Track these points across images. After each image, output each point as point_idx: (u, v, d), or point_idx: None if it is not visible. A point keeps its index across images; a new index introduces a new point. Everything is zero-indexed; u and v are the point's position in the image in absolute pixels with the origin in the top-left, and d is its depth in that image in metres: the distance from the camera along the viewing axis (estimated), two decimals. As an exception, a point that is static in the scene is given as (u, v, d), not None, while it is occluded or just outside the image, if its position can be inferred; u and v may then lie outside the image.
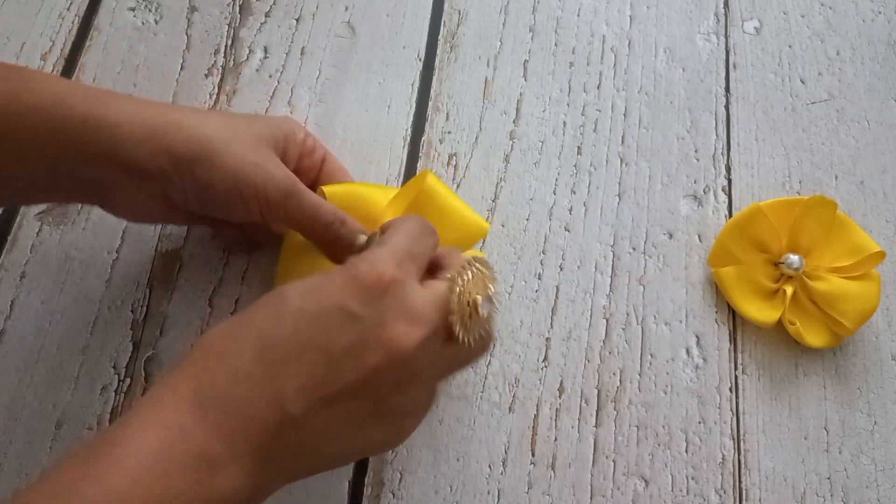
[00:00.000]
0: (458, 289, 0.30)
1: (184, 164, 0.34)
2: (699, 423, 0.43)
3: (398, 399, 0.30)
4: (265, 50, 0.51)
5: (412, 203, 0.39)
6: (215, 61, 0.51)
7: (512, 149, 0.49)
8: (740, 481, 0.42)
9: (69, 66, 0.50)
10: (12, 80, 0.33)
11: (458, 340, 0.30)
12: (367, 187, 0.41)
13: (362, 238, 0.36)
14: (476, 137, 0.50)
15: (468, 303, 0.30)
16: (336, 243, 0.36)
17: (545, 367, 0.44)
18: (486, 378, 0.43)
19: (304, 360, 0.28)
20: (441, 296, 0.30)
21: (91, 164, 0.34)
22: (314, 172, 0.41)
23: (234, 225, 0.42)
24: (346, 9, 0.53)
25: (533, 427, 0.42)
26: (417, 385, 0.30)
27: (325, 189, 0.39)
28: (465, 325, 0.30)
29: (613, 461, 0.42)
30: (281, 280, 0.41)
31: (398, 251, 0.31)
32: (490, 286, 0.31)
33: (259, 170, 0.35)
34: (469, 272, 0.31)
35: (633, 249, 0.47)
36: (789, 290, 0.44)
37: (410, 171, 0.48)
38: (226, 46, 0.52)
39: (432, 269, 0.33)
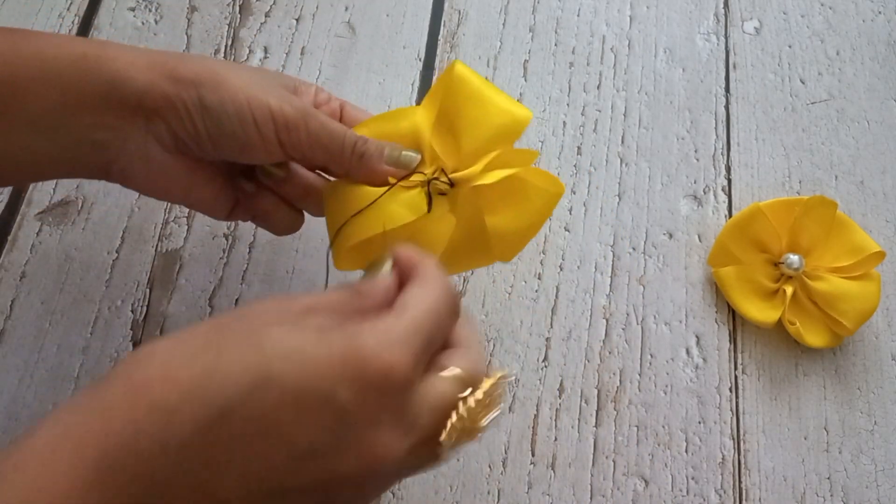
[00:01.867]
0: (465, 412, 0.25)
1: (189, 88, 0.31)
2: (699, 423, 0.43)
3: (352, 501, 0.25)
4: (265, 50, 0.51)
5: (443, 100, 0.34)
6: (215, 61, 0.51)
7: (512, 149, 0.49)
8: (740, 481, 0.42)
9: (69, 66, 0.50)
10: (9, 33, 0.30)
11: (440, 456, 0.26)
12: (392, 116, 0.36)
13: (390, 150, 0.33)
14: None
15: (470, 428, 0.26)
16: (363, 161, 0.33)
17: (545, 367, 0.44)
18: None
19: (261, 450, 0.22)
20: (444, 402, 0.25)
21: (93, 109, 0.30)
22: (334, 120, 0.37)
23: (267, 192, 0.36)
24: (346, 9, 0.53)
25: (533, 427, 0.42)
26: (377, 489, 0.26)
27: (356, 129, 0.35)
28: (455, 443, 0.26)
29: (613, 461, 0.42)
30: (332, 230, 0.34)
31: (418, 336, 0.25)
32: (498, 410, 0.27)
33: (272, 93, 0.32)
34: (484, 391, 0.26)
35: (633, 249, 0.47)
36: (789, 290, 0.44)
37: (410, 171, 0.48)
38: (226, 46, 0.52)
39: (402, 275, 0.29)
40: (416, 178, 0.33)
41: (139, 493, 0.21)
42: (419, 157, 0.34)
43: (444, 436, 0.25)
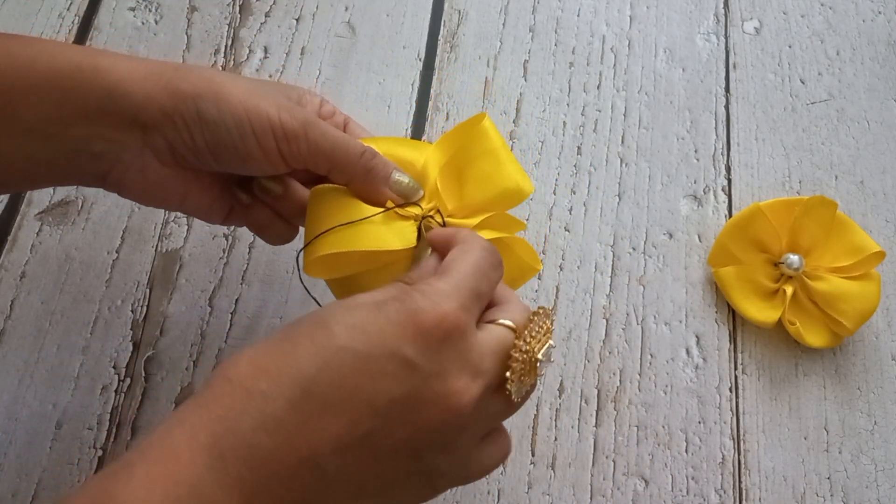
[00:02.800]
0: (523, 345, 0.27)
1: (187, 101, 0.30)
2: (699, 423, 0.43)
3: (441, 460, 0.26)
4: (265, 50, 0.51)
5: (461, 145, 0.35)
6: (215, 61, 0.51)
7: (512, 149, 0.49)
8: (740, 481, 0.42)
9: (69, 66, 0.50)
10: (4, 38, 0.30)
11: (510, 396, 0.28)
12: (402, 142, 0.36)
13: (398, 175, 0.33)
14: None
15: (529, 360, 0.28)
16: (369, 177, 0.32)
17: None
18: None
19: (346, 411, 0.24)
20: (502, 345, 0.27)
21: (89, 120, 0.30)
22: None
23: (262, 205, 0.36)
24: (346, 9, 0.53)
25: (533, 427, 0.42)
26: (463, 445, 0.27)
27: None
28: (521, 381, 0.28)
29: (613, 461, 0.42)
30: (310, 234, 0.34)
31: (465, 289, 0.27)
32: (550, 341, 0.29)
33: (272, 102, 0.31)
34: (533, 325, 0.28)
35: (633, 249, 0.47)
36: (789, 290, 0.44)
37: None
38: (226, 46, 0.52)
39: (442, 248, 0.31)
40: (412, 209, 0.33)
41: (254, 464, 0.23)
42: (422, 192, 0.34)
43: (509, 374, 0.27)
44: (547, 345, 0.28)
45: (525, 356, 0.27)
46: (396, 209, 0.33)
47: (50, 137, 0.30)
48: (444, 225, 0.33)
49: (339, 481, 0.25)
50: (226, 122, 0.31)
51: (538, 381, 0.30)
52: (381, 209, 0.33)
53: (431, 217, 0.33)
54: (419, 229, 0.33)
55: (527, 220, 0.47)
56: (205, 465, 0.23)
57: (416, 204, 0.34)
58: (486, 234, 0.33)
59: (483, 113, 0.35)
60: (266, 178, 0.35)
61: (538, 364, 0.28)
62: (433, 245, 0.31)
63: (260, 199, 0.36)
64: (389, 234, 0.32)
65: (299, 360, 0.25)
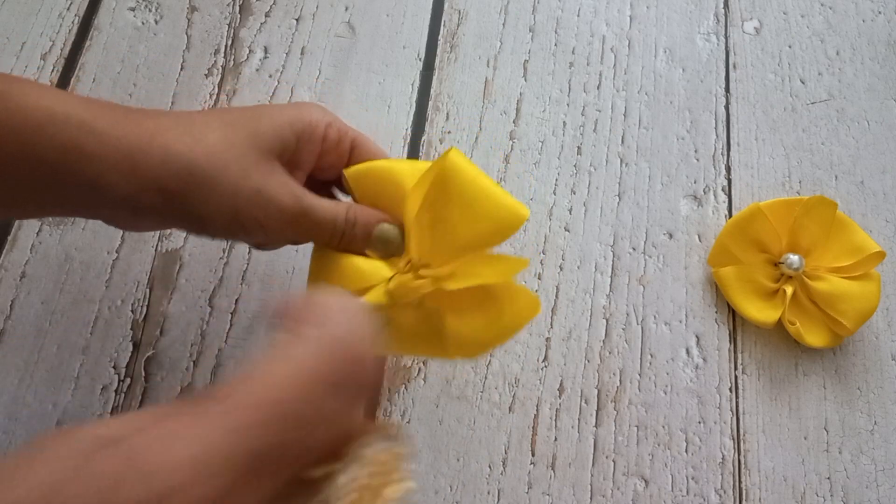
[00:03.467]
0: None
1: (176, 200, 0.30)
2: (699, 423, 0.43)
3: None
4: (265, 50, 0.51)
5: (431, 187, 0.33)
6: (215, 61, 0.51)
7: (512, 149, 0.49)
8: (740, 481, 0.42)
9: (69, 66, 0.50)
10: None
11: None
12: (393, 164, 0.35)
13: (381, 228, 0.33)
14: (476, 137, 0.50)
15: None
16: (351, 246, 0.34)
17: (545, 367, 0.44)
18: (486, 378, 0.43)
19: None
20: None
21: (78, 193, 0.30)
22: (342, 164, 0.36)
23: None
24: (346, 9, 0.53)
25: (533, 427, 0.42)
26: None
27: (346, 173, 0.35)
28: None
29: (613, 461, 0.42)
30: (314, 277, 0.35)
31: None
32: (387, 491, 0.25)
33: (260, 198, 0.31)
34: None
35: (633, 249, 0.47)
36: (789, 290, 0.44)
37: (410, 171, 0.48)
38: (226, 46, 0.51)
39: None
40: (392, 260, 0.33)
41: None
42: (400, 241, 0.33)
43: None
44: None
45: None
46: (380, 257, 0.34)
47: (38, 194, 0.30)
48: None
49: None
50: (215, 221, 0.31)
51: None
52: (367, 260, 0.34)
53: (401, 275, 0.33)
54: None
55: (526, 220, 0.47)
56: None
57: (394, 259, 0.34)
58: (462, 282, 0.31)
59: (451, 149, 0.33)
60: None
61: None
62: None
63: None
64: (370, 276, 0.33)
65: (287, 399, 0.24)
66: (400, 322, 0.33)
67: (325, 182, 0.37)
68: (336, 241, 0.33)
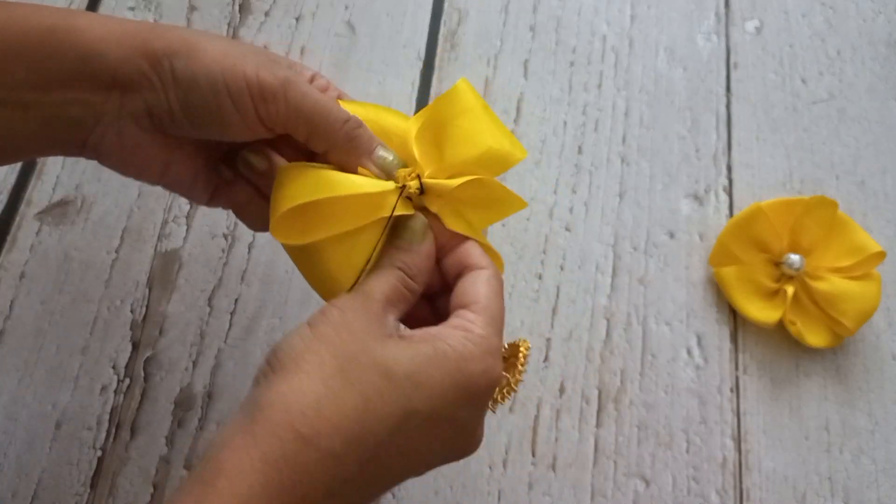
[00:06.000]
0: (511, 379, 0.31)
1: (162, 60, 0.29)
2: (700, 423, 0.43)
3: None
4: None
5: (435, 107, 0.32)
6: (215, 61, 0.51)
7: (512, 148, 0.49)
8: (741, 481, 0.42)
9: (68, 65, 0.50)
10: None
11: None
12: (385, 110, 0.34)
13: (382, 152, 0.31)
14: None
15: (510, 390, 0.31)
16: (351, 146, 0.31)
17: (546, 367, 0.44)
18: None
19: (400, 463, 0.28)
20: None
21: (65, 85, 0.29)
22: None
23: (246, 182, 0.34)
24: (346, 8, 0.53)
25: (533, 427, 0.42)
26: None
27: (342, 102, 0.33)
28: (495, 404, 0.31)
29: (614, 461, 0.42)
30: (277, 210, 0.30)
31: (500, 338, 0.30)
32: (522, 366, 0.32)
33: (248, 59, 0.30)
34: (520, 362, 0.32)
35: (634, 249, 0.47)
36: (790, 290, 0.44)
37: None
38: (226, 46, 0.51)
39: (455, 270, 0.32)
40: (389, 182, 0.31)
41: None
42: (399, 166, 0.32)
43: (492, 406, 0.30)
44: (517, 376, 0.31)
45: (509, 388, 0.31)
46: (370, 172, 0.31)
47: (26, 106, 0.29)
48: (421, 189, 0.31)
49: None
50: (199, 81, 0.29)
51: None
52: (359, 181, 0.31)
53: (406, 187, 0.31)
54: (402, 200, 0.31)
55: (527, 219, 0.47)
56: None
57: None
58: (464, 178, 0.31)
59: (462, 78, 0.33)
60: (249, 151, 0.33)
61: (507, 393, 0.31)
62: (439, 244, 0.32)
63: (243, 176, 0.34)
64: (365, 182, 0.30)
65: (372, 422, 0.26)
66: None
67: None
68: (334, 132, 0.31)
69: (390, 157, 0.31)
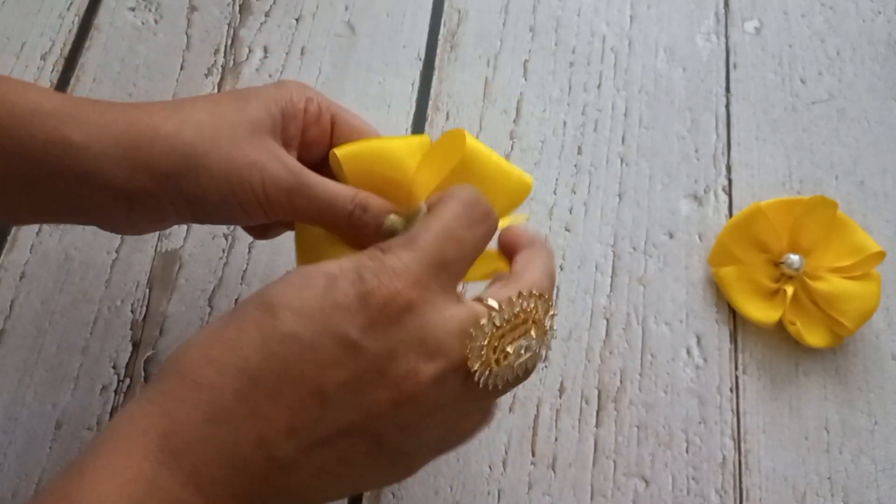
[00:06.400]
0: (488, 326, 0.25)
1: (168, 181, 0.29)
2: (700, 423, 0.43)
3: (404, 440, 0.26)
4: (265, 50, 0.51)
5: (452, 174, 0.32)
6: (215, 61, 0.51)
7: (512, 148, 0.49)
8: (741, 481, 0.42)
9: (69, 66, 0.50)
10: None
11: (482, 389, 0.26)
12: (388, 143, 0.33)
13: (390, 219, 0.31)
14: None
15: (495, 350, 0.26)
16: (359, 234, 0.31)
17: (545, 367, 0.44)
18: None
19: (294, 398, 0.24)
20: (463, 327, 0.25)
21: (70, 188, 0.30)
22: (325, 141, 0.34)
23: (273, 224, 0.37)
24: (346, 8, 0.53)
25: (533, 427, 0.42)
26: (429, 427, 0.26)
27: (338, 152, 0.32)
28: (487, 368, 0.26)
29: (614, 461, 0.42)
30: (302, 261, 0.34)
31: (425, 259, 0.26)
32: (535, 330, 0.26)
33: (254, 170, 0.30)
34: (514, 307, 0.26)
35: (634, 249, 0.47)
36: (790, 290, 0.44)
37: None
38: (226, 46, 0.51)
39: (508, 251, 0.30)
40: None
41: (207, 456, 0.23)
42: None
43: (470, 360, 0.25)
44: (533, 331, 0.26)
45: (490, 343, 0.25)
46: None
47: (31, 194, 0.30)
48: None
49: (295, 467, 0.24)
50: (211, 201, 0.30)
51: (529, 374, 0.28)
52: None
53: None
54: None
55: (527, 219, 0.47)
56: (158, 460, 0.23)
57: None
58: (479, 273, 0.32)
59: (459, 130, 0.32)
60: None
61: (509, 357, 0.26)
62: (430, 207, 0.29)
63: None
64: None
65: (245, 349, 0.24)
66: None
67: (313, 165, 0.34)
68: (341, 223, 0.31)
69: (398, 226, 0.32)
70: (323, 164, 0.34)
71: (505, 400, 0.43)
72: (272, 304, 0.25)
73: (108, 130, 0.29)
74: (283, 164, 0.31)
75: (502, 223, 0.33)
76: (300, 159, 0.33)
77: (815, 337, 0.44)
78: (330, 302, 0.24)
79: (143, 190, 0.30)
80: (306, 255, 0.33)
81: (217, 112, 0.31)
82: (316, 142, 0.34)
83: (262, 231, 0.37)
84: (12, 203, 0.31)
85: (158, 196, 0.30)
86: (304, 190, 0.31)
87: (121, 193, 0.30)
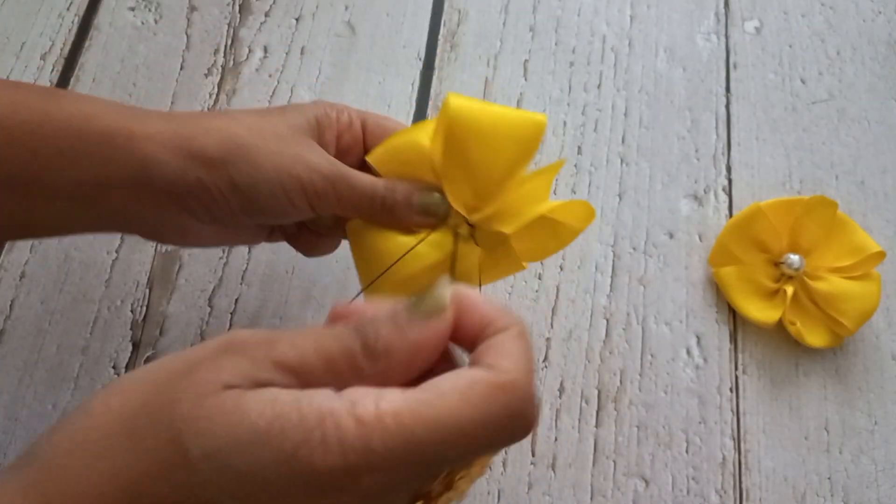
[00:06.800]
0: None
1: (219, 168, 0.31)
2: (699, 423, 0.43)
3: None
4: (265, 49, 0.51)
5: (446, 141, 0.32)
6: (215, 61, 0.51)
7: (512, 149, 0.49)
8: (741, 481, 0.42)
9: (69, 66, 0.50)
10: (44, 98, 0.31)
11: None
12: (409, 131, 0.35)
13: (416, 198, 0.33)
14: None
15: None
16: (393, 215, 0.33)
17: (545, 367, 0.44)
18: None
19: None
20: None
21: (125, 189, 0.31)
22: (358, 147, 0.36)
23: (309, 231, 0.38)
24: (346, 8, 0.53)
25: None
26: None
27: (369, 158, 0.34)
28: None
29: (614, 461, 0.42)
30: (362, 270, 0.35)
31: (410, 448, 0.19)
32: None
33: (299, 160, 0.32)
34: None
35: (634, 249, 0.47)
36: (790, 290, 0.44)
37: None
38: (226, 46, 0.51)
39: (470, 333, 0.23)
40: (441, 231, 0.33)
41: None
42: (447, 203, 0.33)
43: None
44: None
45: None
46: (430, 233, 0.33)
47: (89, 202, 0.31)
48: (472, 228, 0.33)
49: None
50: (259, 189, 0.32)
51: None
52: (415, 235, 0.33)
53: (458, 231, 0.33)
54: (455, 238, 0.33)
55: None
56: None
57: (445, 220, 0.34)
58: (516, 223, 0.32)
59: (448, 96, 0.32)
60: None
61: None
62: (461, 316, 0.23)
63: (306, 229, 0.38)
64: (427, 248, 0.33)
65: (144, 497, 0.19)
66: (465, 268, 0.33)
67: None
68: (378, 209, 0.33)
69: (426, 200, 0.33)
70: (359, 169, 0.36)
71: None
72: (182, 443, 0.19)
73: (164, 126, 0.31)
74: (324, 157, 0.33)
75: (532, 175, 0.32)
76: None
77: (815, 337, 0.44)
78: (302, 482, 0.19)
79: (196, 180, 0.31)
80: (363, 257, 0.35)
81: (262, 115, 0.34)
82: (350, 147, 0.36)
83: (310, 244, 0.38)
84: (63, 214, 0.32)
85: (209, 187, 0.31)
86: (347, 179, 0.33)
87: (174, 188, 0.31)
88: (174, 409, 0.20)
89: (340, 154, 0.35)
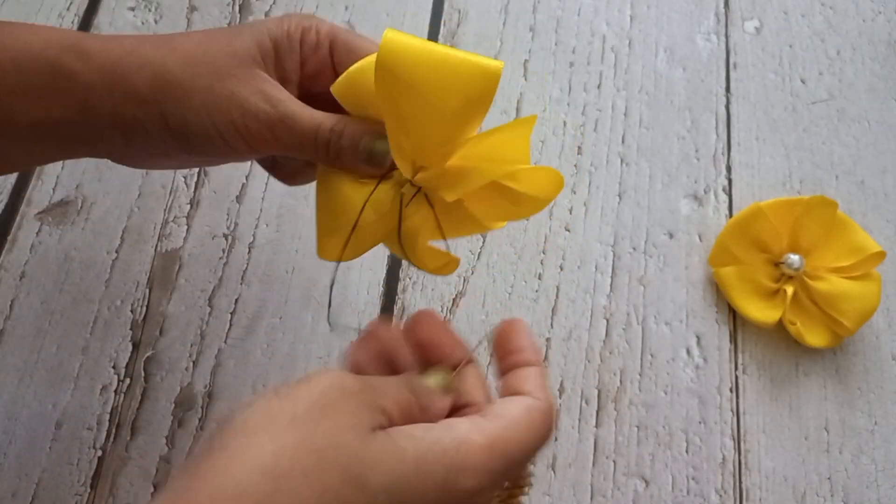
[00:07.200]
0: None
1: (152, 108, 0.29)
2: (699, 423, 0.43)
3: None
4: (265, 49, 0.51)
5: (380, 86, 0.27)
6: (215, 61, 0.51)
7: (512, 149, 0.49)
8: (741, 481, 0.42)
9: (69, 65, 0.50)
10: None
11: None
12: (370, 63, 0.30)
13: (362, 143, 0.30)
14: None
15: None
16: (340, 159, 0.30)
17: (545, 367, 0.44)
18: (486, 378, 0.43)
19: None
20: None
21: (72, 119, 0.30)
22: (328, 71, 0.33)
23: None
24: (346, 8, 0.53)
25: (533, 427, 0.42)
26: None
27: (333, 90, 0.31)
28: None
29: (614, 461, 0.42)
30: (318, 217, 0.32)
31: (497, 468, 0.25)
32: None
33: (234, 101, 0.29)
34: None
35: (634, 249, 0.47)
36: (790, 289, 0.44)
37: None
38: (226, 46, 0.51)
39: (501, 357, 0.31)
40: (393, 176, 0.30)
41: None
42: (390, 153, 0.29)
43: None
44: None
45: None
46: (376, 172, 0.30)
47: (42, 138, 0.31)
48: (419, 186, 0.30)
49: None
50: (192, 130, 0.30)
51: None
52: (366, 183, 0.30)
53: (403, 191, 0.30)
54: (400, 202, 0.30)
55: (527, 219, 0.47)
56: None
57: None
58: (461, 189, 0.28)
59: (387, 29, 0.27)
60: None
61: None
62: (501, 369, 0.30)
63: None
64: (373, 205, 0.30)
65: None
66: (413, 227, 0.30)
67: (321, 97, 0.32)
68: (323, 154, 0.30)
69: (370, 146, 0.30)
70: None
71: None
72: (363, 476, 0.22)
73: (103, 61, 0.30)
74: (264, 97, 0.30)
75: (494, 130, 0.28)
76: (306, 93, 0.32)
77: (815, 337, 0.44)
78: (422, 487, 0.23)
79: (133, 118, 0.30)
80: (319, 199, 0.31)
81: (206, 43, 0.31)
82: (318, 71, 0.33)
83: (288, 174, 0.36)
84: (22, 139, 0.31)
85: (145, 124, 0.30)
86: (286, 122, 0.30)
87: (115, 122, 0.30)
88: (344, 452, 0.23)
89: (309, 79, 0.32)
